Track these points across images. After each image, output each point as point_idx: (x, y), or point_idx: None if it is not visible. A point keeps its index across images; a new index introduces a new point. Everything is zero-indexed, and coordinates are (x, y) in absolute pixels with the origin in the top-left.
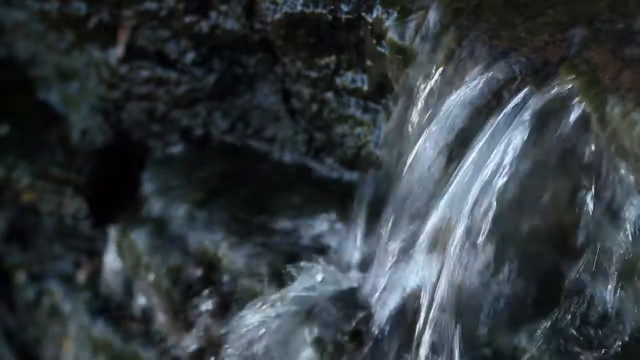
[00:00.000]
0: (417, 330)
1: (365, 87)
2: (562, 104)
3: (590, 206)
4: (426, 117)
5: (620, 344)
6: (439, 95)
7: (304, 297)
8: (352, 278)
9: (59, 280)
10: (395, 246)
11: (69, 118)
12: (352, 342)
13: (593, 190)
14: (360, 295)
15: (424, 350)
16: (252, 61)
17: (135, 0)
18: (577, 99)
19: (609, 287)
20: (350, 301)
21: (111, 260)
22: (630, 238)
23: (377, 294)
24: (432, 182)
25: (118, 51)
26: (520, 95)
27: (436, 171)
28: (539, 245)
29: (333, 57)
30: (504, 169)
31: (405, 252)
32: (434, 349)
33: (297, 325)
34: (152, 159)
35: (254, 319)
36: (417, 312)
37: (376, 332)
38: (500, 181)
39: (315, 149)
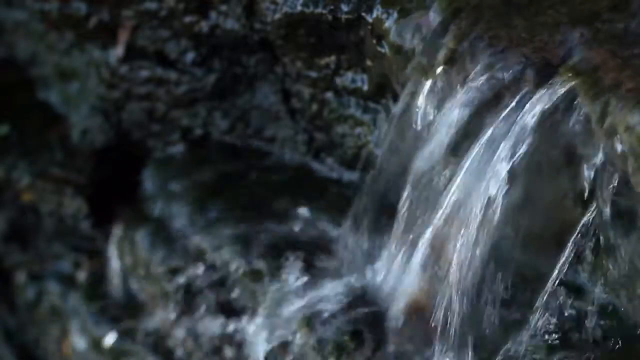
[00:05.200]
0: (420, 329)
1: (365, 87)
2: (562, 104)
3: (592, 206)
4: (426, 117)
5: (619, 342)
6: (439, 96)
7: (305, 297)
8: (353, 278)
9: (59, 280)
10: (397, 247)
11: (69, 118)
12: (353, 342)
13: (594, 190)
14: (360, 296)
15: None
16: (252, 61)
17: (135, 0)
18: (577, 99)
19: (610, 286)
20: (351, 301)
21: (111, 260)
22: (630, 238)
23: (377, 296)
24: (435, 183)
25: (118, 51)
26: (521, 95)
27: (438, 171)
28: (540, 245)
29: (333, 57)
30: (505, 170)
31: (408, 254)
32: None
33: (298, 325)
34: (152, 159)
35: (255, 319)
36: (419, 312)
37: (376, 333)
38: (502, 182)
39: (316, 149)
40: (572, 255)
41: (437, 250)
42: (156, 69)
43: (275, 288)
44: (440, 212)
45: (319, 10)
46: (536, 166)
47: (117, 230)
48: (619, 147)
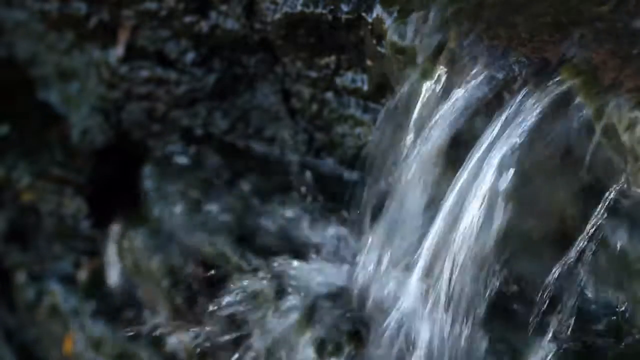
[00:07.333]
0: (415, 327)
1: (365, 87)
2: (562, 104)
3: (591, 206)
4: (426, 117)
5: (620, 342)
6: (439, 96)
7: (304, 297)
8: (352, 278)
9: (59, 280)
10: (395, 248)
11: (69, 118)
12: (352, 342)
13: (594, 190)
14: (359, 296)
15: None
16: (252, 61)
17: (135, 0)
18: (577, 99)
19: (609, 285)
20: (350, 302)
21: (111, 260)
22: (629, 237)
23: (375, 295)
24: (433, 183)
25: (118, 51)
26: (521, 95)
27: (437, 171)
28: (540, 245)
29: (333, 57)
30: (505, 170)
31: (406, 254)
32: (433, 346)
33: (298, 325)
34: (152, 159)
35: (255, 319)
36: (416, 311)
37: (374, 333)
38: (502, 181)
39: (316, 149)
40: (573, 257)
41: (435, 255)
42: (156, 69)
43: (274, 287)
44: (439, 215)
45: (319, 10)
46: (535, 167)
47: (116, 230)
48: (619, 147)
